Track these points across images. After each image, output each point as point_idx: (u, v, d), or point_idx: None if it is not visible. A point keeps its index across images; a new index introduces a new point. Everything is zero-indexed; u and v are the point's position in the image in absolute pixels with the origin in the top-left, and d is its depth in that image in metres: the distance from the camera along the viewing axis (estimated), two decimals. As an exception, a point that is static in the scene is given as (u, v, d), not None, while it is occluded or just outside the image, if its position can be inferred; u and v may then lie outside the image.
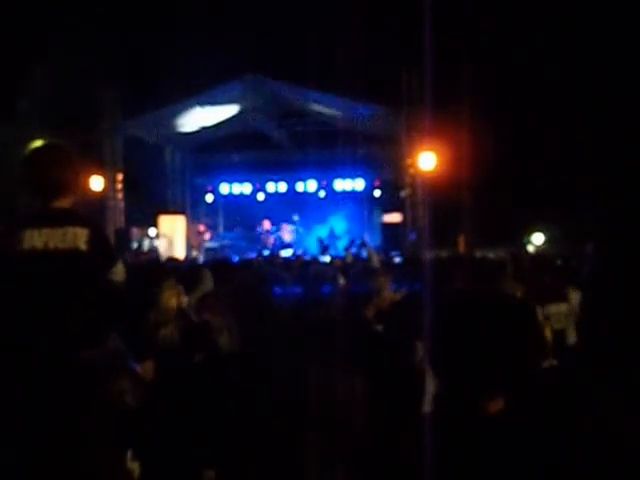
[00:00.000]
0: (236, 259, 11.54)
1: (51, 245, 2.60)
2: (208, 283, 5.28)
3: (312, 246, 16.91)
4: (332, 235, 17.13)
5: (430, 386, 3.21)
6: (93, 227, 2.72)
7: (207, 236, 17.95)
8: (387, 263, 8.63)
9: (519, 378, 1.54)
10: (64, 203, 2.75)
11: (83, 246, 2.64)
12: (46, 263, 2.59)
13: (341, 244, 16.30)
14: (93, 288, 2.68)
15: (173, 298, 3.66)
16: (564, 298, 4.15)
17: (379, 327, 4.03)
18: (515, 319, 1.59)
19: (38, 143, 2.78)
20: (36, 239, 2.59)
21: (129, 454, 3.10)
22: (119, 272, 2.77)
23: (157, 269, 5.25)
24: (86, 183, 14.21)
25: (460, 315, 1.63)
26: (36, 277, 2.59)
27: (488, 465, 1.49)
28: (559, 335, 3.99)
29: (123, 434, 2.91)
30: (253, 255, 14.45)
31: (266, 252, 15.59)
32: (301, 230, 18.22)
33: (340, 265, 6.24)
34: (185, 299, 3.78)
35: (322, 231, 17.54)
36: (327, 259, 8.58)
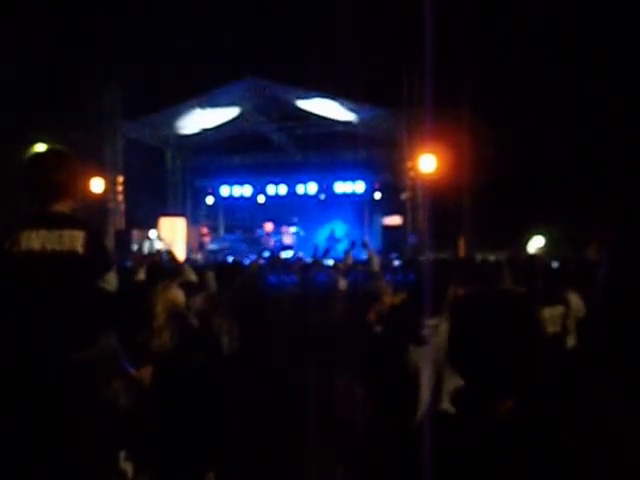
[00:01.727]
0: (232, 261, 11.54)
1: (48, 247, 2.61)
2: (211, 285, 5.29)
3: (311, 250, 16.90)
4: (332, 238, 17.11)
5: (425, 391, 3.20)
6: (89, 230, 2.74)
7: (209, 238, 17.96)
8: (387, 266, 8.63)
9: (524, 378, 1.54)
10: (63, 207, 2.76)
11: (80, 249, 2.65)
12: (43, 264, 2.60)
13: (341, 247, 16.28)
14: (87, 290, 2.69)
15: (169, 301, 3.64)
16: (560, 301, 4.12)
17: (379, 330, 4.03)
18: (517, 317, 1.59)
19: (38, 147, 2.80)
20: (33, 241, 2.60)
21: (122, 455, 3.10)
22: (111, 281, 2.78)
23: (157, 271, 5.25)
24: (87, 185, 14.24)
25: (464, 320, 1.63)
26: (33, 278, 2.59)
27: (489, 465, 1.49)
28: (555, 338, 3.96)
29: (116, 435, 2.91)
30: (253, 257, 14.46)
31: (266, 254, 15.60)
32: (301, 233, 18.22)
33: (342, 268, 6.27)
34: (182, 300, 3.76)
35: (322, 234, 17.54)
36: (330, 262, 8.66)
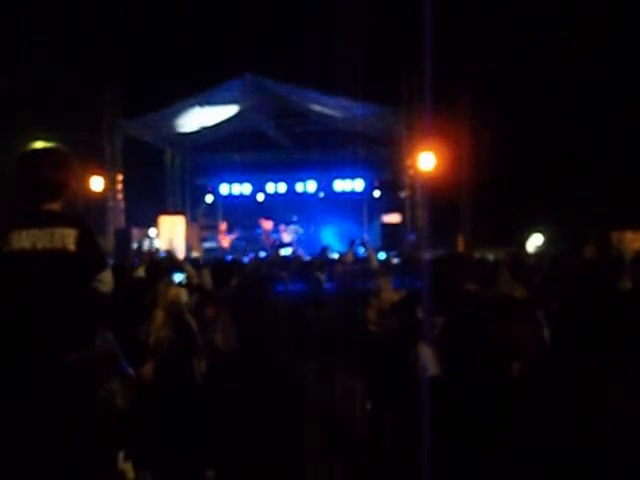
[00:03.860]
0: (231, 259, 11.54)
1: (39, 245, 2.59)
2: (207, 282, 5.29)
3: (313, 247, 16.89)
4: (332, 237, 17.10)
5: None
6: (82, 228, 2.70)
7: (234, 235, 17.81)
8: (386, 263, 8.64)
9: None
10: (56, 205, 2.73)
11: (71, 246, 2.62)
12: (35, 263, 2.58)
13: (336, 245, 16.27)
14: (81, 289, 2.66)
15: (169, 298, 3.64)
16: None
17: (377, 328, 4.03)
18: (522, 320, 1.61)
19: (32, 145, 2.77)
20: (24, 240, 2.58)
21: (121, 455, 3.10)
22: (106, 281, 2.74)
23: (157, 269, 5.25)
24: (86, 184, 14.25)
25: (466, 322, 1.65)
26: (25, 277, 2.57)
27: (488, 465, 1.50)
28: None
29: (114, 435, 2.91)
30: (252, 255, 14.46)
31: (265, 252, 15.59)
32: (300, 230, 18.23)
33: (344, 261, 6.33)
34: (183, 299, 3.76)
35: (324, 234, 17.55)
36: (336, 256, 8.75)
